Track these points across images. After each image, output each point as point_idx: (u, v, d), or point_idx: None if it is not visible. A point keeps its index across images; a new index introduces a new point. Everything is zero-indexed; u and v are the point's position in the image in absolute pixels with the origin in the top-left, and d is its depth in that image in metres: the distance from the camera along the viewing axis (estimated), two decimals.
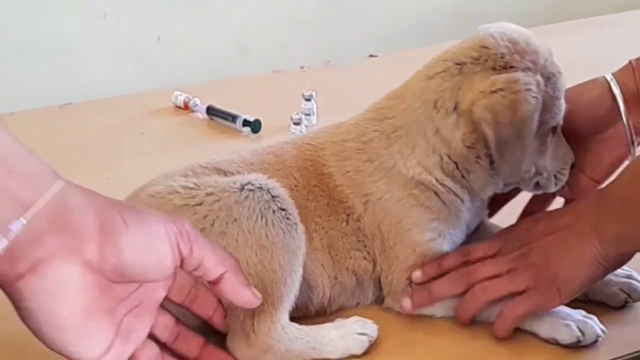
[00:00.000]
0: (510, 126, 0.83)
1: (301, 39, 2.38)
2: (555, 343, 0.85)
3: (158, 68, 2.19)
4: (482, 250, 0.89)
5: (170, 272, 0.68)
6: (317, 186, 0.89)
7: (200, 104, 1.47)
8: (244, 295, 0.72)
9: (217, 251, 0.70)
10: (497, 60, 0.85)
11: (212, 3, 2.31)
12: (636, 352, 0.85)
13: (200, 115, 1.47)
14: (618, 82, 0.91)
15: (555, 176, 0.91)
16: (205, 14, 2.31)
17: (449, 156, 0.87)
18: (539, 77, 0.85)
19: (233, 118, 1.41)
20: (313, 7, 2.42)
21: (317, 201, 0.89)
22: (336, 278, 0.89)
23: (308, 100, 1.39)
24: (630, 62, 0.92)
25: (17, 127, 1.38)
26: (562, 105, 0.89)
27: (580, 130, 0.92)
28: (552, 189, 0.92)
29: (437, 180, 0.88)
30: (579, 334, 0.83)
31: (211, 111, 1.45)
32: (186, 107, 1.48)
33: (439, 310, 0.89)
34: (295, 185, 0.88)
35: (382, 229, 0.89)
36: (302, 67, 1.66)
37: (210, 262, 0.69)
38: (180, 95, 1.49)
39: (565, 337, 0.84)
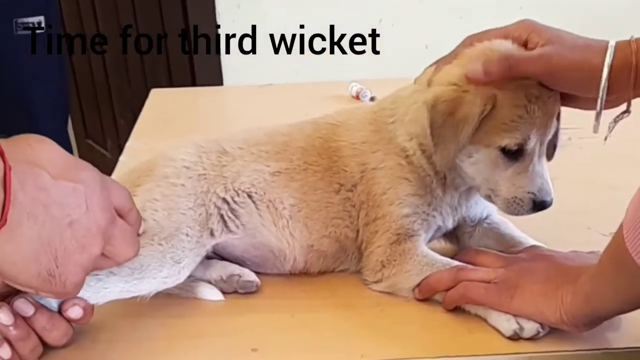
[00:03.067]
0: (447, 117, 0.88)
1: None
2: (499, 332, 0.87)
3: None
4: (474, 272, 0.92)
5: None
6: (316, 162, 0.98)
7: (369, 94, 1.61)
8: None
9: None
10: None
11: None
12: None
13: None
14: (615, 53, 0.85)
15: (509, 200, 0.91)
16: None
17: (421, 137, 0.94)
18: (498, 92, 0.88)
19: None
20: None
21: (306, 178, 0.98)
22: (312, 246, 0.98)
23: None
24: (631, 38, 0.86)
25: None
26: (524, 131, 0.89)
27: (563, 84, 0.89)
28: (506, 212, 0.93)
29: (414, 152, 0.95)
30: (517, 326, 0.85)
31: (372, 101, 1.58)
32: (357, 97, 1.63)
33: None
34: (286, 168, 0.98)
35: (369, 198, 0.96)
36: None
37: None
38: (355, 85, 1.65)
39: (504, 329, 0.86)
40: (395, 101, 0.99)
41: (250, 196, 0.98)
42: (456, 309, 0.92)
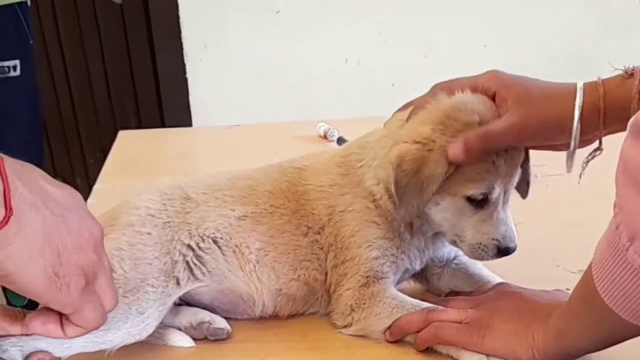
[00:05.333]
0: (411, 176, 0.89)
1: None
2: None
3: None
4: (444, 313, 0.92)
5: None
6: (283, 205, 0.98)
7: (337, 134, 1.62)
8: None
9: None
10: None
11: None
12: None
13: (335, 145, 1.60)
14: (584, 97, 0.86)
15: (473, 246, 0.92)
16: None
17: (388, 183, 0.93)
18: None
19: None
20: None
21: (273, 221, 0.98)
22: (280, 290, 0.97)
23: None
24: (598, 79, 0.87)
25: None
26: (489, 182, 0.90)
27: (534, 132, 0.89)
28: (470, 257, 0.95)
29: (381, 196, 0.95)
30: None
31: (340, 141, 1.59)
32: (325, 136, 1.64)
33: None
34: (252, 212, 0.98)
35: (337, 240, 0.96)
36: None
37: None
38: (323, 125, 1.65)
39: None
40: (363, 146, 1.00)
41: (215, 241, 0.97)
42: (427, 350, 0.91)
